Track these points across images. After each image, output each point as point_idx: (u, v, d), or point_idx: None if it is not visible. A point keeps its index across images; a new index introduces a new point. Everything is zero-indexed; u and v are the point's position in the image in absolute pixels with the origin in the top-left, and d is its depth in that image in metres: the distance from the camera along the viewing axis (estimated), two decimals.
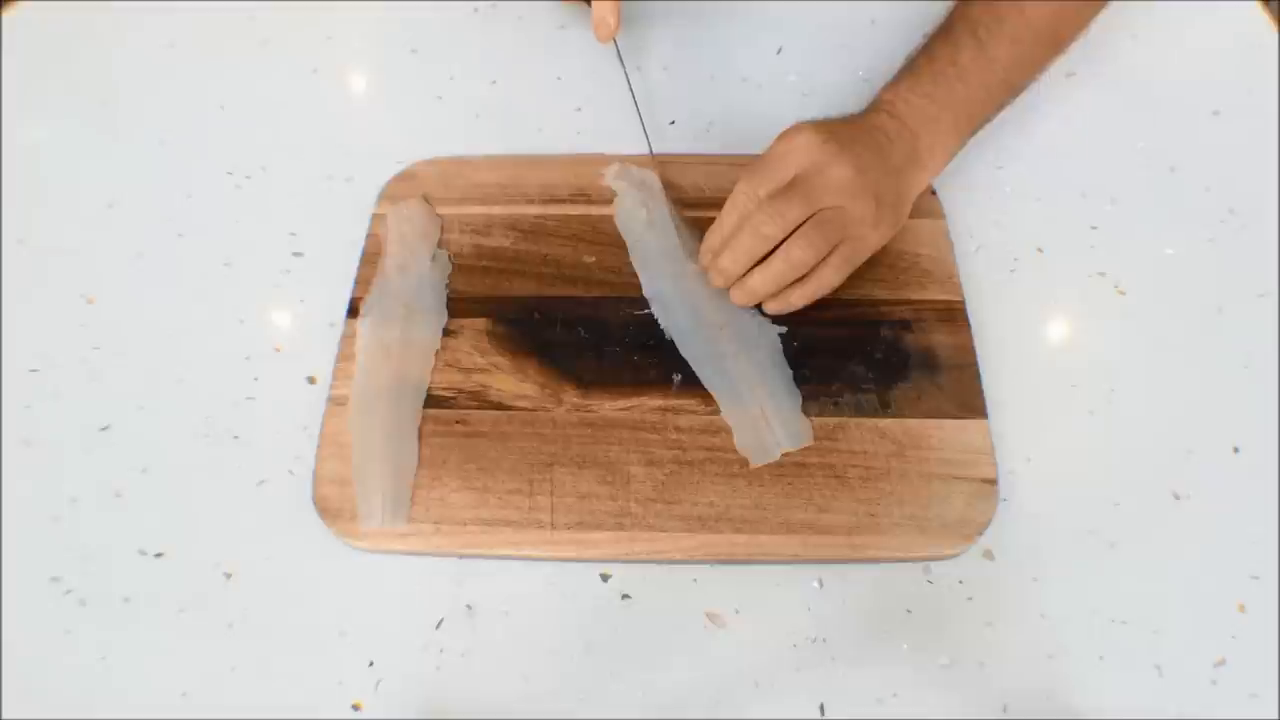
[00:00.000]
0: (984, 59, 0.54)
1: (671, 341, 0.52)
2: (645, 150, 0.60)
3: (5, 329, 0.55)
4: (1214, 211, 0.58)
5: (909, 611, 0.46)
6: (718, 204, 0.57)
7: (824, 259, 0.51)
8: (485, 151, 0.61)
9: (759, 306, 0.53)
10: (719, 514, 0.47)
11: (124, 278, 0.57)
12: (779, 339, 0.52)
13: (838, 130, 0.51)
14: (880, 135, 0.52)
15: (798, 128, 0.51)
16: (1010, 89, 0.56)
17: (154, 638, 0.46)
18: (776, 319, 0.53)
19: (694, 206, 0.58)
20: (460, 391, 0.51)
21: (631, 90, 0.58)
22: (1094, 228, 0.58)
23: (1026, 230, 0.57)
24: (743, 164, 0.59)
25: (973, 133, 0.56)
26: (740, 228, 0.51)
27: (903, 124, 0.53)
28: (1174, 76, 0.64)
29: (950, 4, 0.57)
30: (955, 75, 0.53)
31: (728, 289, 0.53)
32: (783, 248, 0.50)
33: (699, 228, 0.56)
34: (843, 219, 0.50)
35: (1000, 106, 0.56)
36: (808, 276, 0.51)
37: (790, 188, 0.50)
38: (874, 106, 0.54)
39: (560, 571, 0.47)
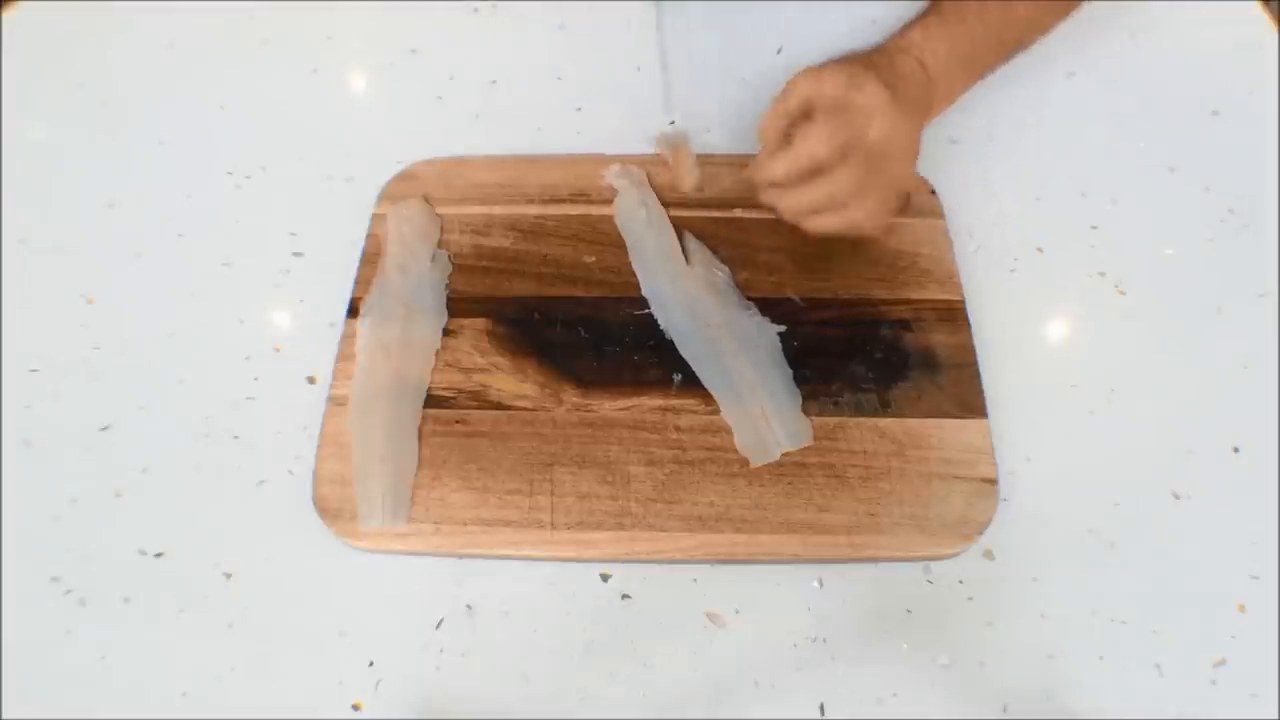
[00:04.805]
0: (1008, 14, 0.55)
1: (671, 341, 0.52)
2: (649, 150, 0.60)
3: (5, 329, 0.55)
4: (1214, 211, 0.58)
5: (909, 611, 0.46)
6: (718, 203, 0.57)
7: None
8: (485, 151, 0.61)
9: (760, 307, 0.53)
10: (719, 514, 0.47)
11: (124, 278, 0.57)
12: (778, 339, 0.52)
13: (892, 85, 0.51)
14: (912, 81, 0.53)
15: (868, 84, 0.50)
16: (1020, 45, 0.57)
17: (154, 638, 0.46)
18: (776, 319, 0.53)
19: (694, 206, 0.58)
20: (460, 391, 0.51)
21: (664, 52, 0.56)
22: (1094, 228, 0.58)
23: (1026, 230, 0.58)
24: (742, 164, 0.59)
25: (975, 83, 0.57)
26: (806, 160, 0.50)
27: (925, 69, 0.53)
28: (1174, 76, 0.64)
29: None
30: (979, 25, 0.54)
31: (720, 291, 0.53)
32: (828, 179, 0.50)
33: (698, 227, 0.56)
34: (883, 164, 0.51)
35: (1006, 61, 0.57)
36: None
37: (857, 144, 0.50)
38: (901, 48, 0.54)
39: (560, 571, 0.47)
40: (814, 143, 0.50)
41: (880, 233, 0.54)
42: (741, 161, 0.59)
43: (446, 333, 0.53)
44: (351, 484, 0.48)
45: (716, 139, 0.62)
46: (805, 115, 0.51)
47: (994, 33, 0.55)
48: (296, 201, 0.60)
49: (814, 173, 0.50)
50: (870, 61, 0.53)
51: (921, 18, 0.55)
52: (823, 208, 0.51)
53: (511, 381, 0.52)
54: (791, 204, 0.52)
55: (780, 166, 0.51)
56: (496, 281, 0.55)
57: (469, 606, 0.46)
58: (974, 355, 0.52)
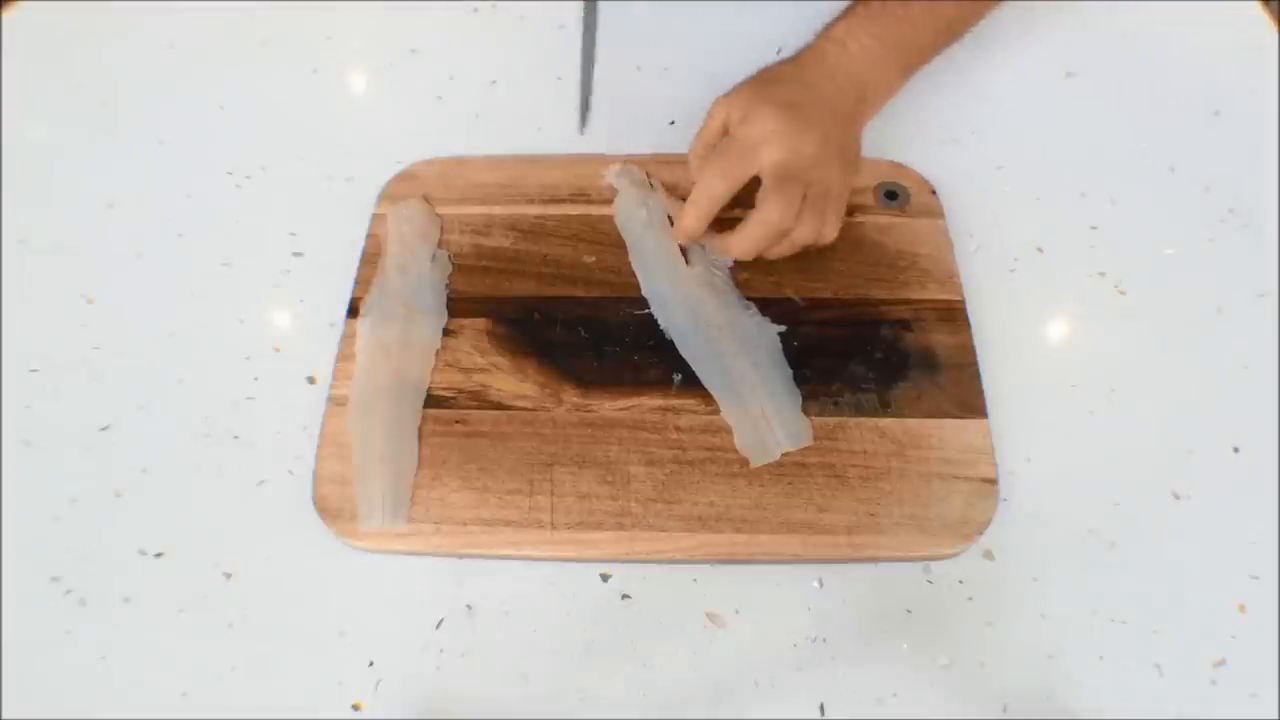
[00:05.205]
0: (933, 7, 0.56)
1: (671, 341, 0.52)
2: (649, 150, 0.60)
3: (5, 329, 0.55)
4: (1214, 211, 0.58)
5: (909, 611, 0.46)
6: None
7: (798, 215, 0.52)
8: (485, 151, 0.61)
9: (760, 307, 0.53)
10: (719, 514, 0.47)
11: (124, 278, 0.57)
12: (779, 339, 0.52)
13: (794, 101, 0.52)
14: (834, 82, 0.53)
15: (760, 114, 0.51)
16: (952, 35, 0.58)
17: (154, 638, 0.46)
18: (776, 318, 0.53)
19: None
20: (460, 391, 0.51)
21: (590, 51, 0.56)
22: (1094, 228, 0.58)
23: (1026, 230, 0.57)
24: None
25: (912, 74, 0.57)
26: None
27: (851, 68, 0.54)
28: (1174, 76, 0.64)
29: None
30: (904, 17, 0.55)
31: (720, 291, 0.54)
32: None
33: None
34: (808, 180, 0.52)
35: (940, 51, 0.58)
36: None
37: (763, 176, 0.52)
38: (822, 49, 0.55)
39: (560, 571, 0.47)
40: (708, 183, 0.52)
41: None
42: None
43: (446, 333, 0.53)
44: (351, 484, 0.48)
45: None
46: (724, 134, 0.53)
47: (923, 19, 0.55)
48: (296, 201, 0.60)
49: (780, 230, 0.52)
50: (779, 75, 0.54)
51: (846, 11, 0.56)
52: (800, 245, 0.53)
53: (511, 381, 0.52)
54: (737, 249, 0.53)
55: (687, 219, 0.53)
56: (496, 281, 0.55)
57: (469, 606, 0.46)
58: (974, 355, 0.52)
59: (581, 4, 0.54)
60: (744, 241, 0.52)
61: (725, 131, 0.53)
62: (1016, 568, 0.47)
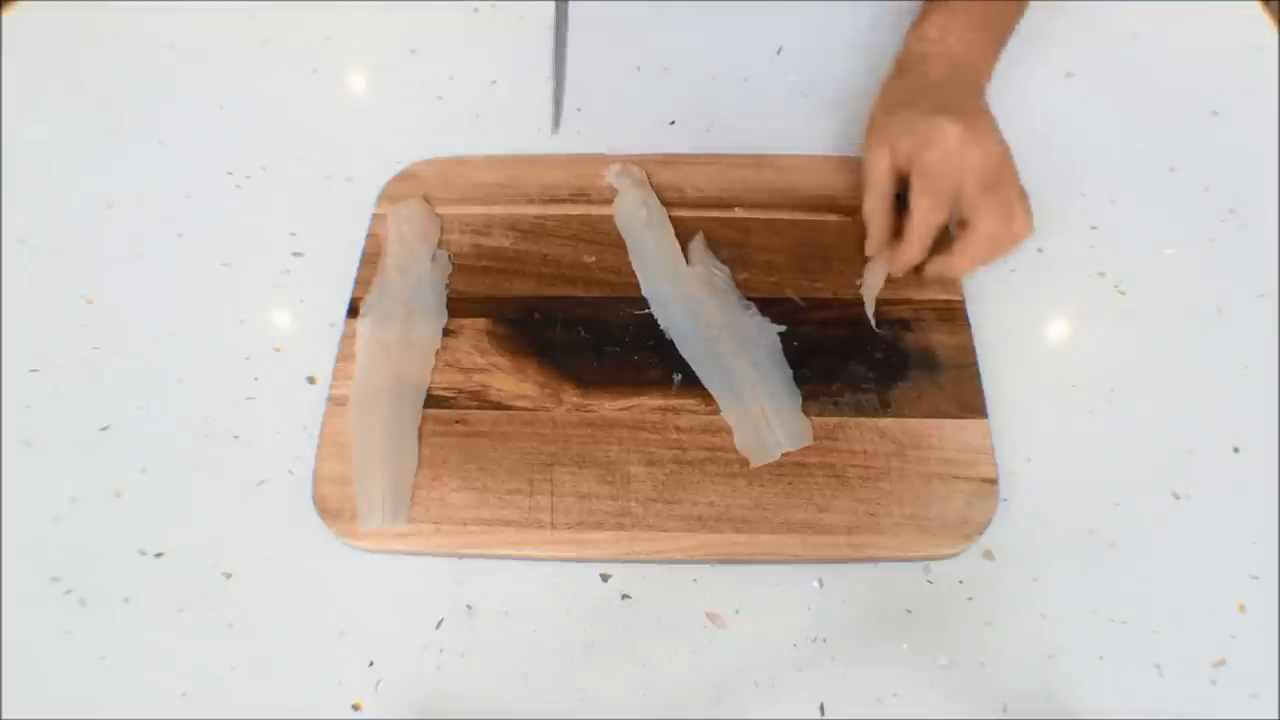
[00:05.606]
0: None
1: (671, 341, 0.52)
2: (649, 150, 0.60)
3: (5, 329, 0.55)
4: (1214, 211, 0.58)
5: (909, 611, 0.46)
6: (718, 204, 0.57)
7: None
8: (485, 151, 0.61)
9: (760, 307, 0.53)
10: (719, 514, 0.47)
11: (124, 278, 0.57)
12: (778, 339, 0.52)
13: (944, 102, 0.51)
14: (950, 84, 0.53)
15: (941, 135, 0.49)
16: (1026, 3, 0.59)
17: (154, 638, 0.46)
18: (776, 318, 0.53)
19: (695, 206, 0.58)
20: (460, 391, 0.51)
21: (560, 52, 0.54)
22: (1094, 228, 0.58)
23: None
24: (738, 164, 0.59)
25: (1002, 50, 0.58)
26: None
27: (951, 60, 0.54)
28: (1174, 76, 0.64)
29: None
30: (987, 1, 0.55)
31: (720, 291, 0.54)
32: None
33: (697, 227, 0.56)
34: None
35: (1019, 20, 0.59)
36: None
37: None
38: (926, 53, 0.54)
39: (560, 571, 0.47)
40: (926, 215, 0.50)
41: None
42: (741, 162, 0.59)
43: (446, 333, 0.53)
44: (351, 484, 0.48)
45: (717, 139, 0.62)
46: (898, 177, 0.52)
47: (1011, 3, 0.56)
48: (296, 201, 0.60)
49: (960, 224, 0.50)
50: (902, 93, 0.53)
51: (928, 11, 0.55)
52: (997, 252, 0.51)
53: (511, 381, 0.52)
54: (965, 267, 0.52)
55: (914, 253, 0.51)
56: (496, 281, 0.55)
57: (469, 606, 0.46)
58: (974, 355, 0.52)
59: (554, 4, 0.53)
60: (915, 250, 0.51)
61: (897, 172, 0.52)
62: (1016, 568, 0.47)
